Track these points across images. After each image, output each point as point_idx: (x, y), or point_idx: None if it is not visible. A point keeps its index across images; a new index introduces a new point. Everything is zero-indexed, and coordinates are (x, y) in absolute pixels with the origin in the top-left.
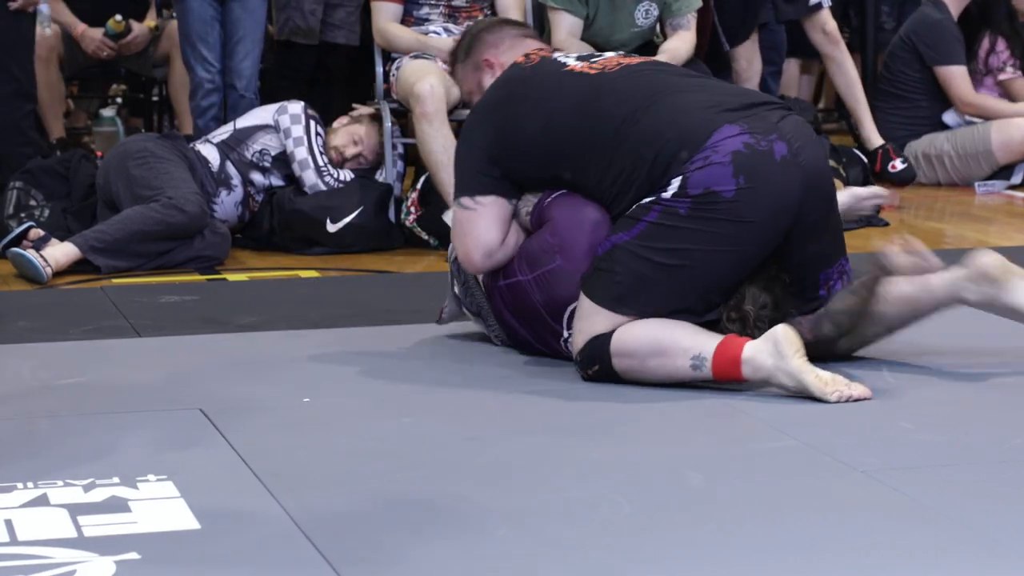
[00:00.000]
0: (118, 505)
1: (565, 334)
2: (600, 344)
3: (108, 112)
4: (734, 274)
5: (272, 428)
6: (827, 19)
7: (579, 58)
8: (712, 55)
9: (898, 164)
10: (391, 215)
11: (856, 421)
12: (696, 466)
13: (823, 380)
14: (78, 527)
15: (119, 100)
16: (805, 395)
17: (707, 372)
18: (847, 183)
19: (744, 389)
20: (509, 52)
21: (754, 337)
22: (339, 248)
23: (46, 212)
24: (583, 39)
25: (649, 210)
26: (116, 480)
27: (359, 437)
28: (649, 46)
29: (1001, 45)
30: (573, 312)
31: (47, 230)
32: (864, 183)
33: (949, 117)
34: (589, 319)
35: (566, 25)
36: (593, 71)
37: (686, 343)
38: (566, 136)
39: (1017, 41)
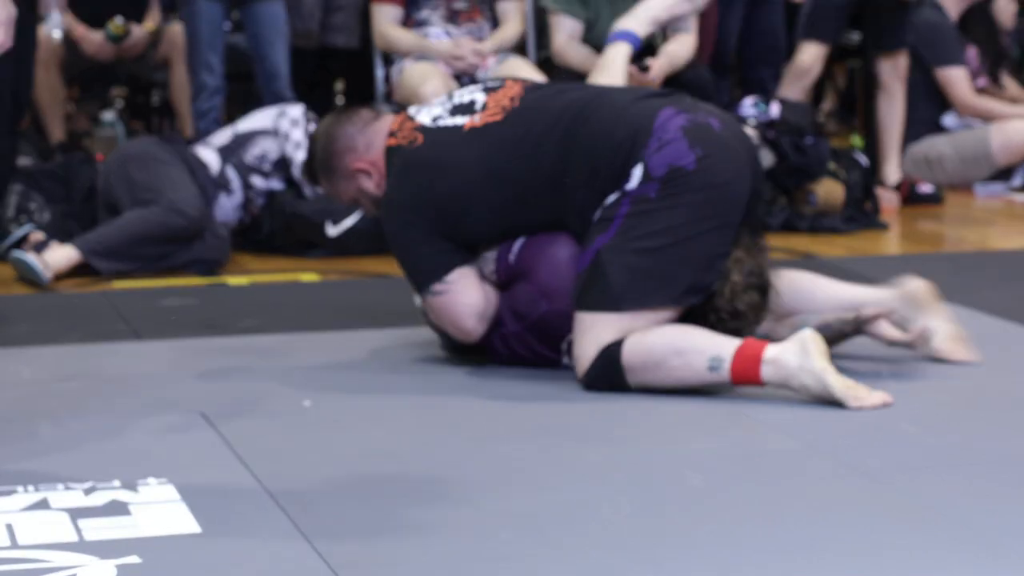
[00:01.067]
0: (119, 508)
1: (565, 360)
2: (609, 356)
3: (109, 115)
4: (721, 243)
5: (273, 431)
6: (904, 56)
7: (459, 112)
8: (715, 60)
9: (927, 188)
10: None
11: (857, 423)
12: (697, 467)
13: (847, 384)
14: (79, 531)
15: (119, 104)
16: (825, 399)
17: (725, 374)
18: (848, 186)
19: (744, 390)
20: (368, 148)
21: (743, 316)
22: (339, 251)
23: (46, 215)
24: (584, 42)
25: (619, 206)
26: (117, 483)
27: (360, 440)
28: (649, 49)
29: (973, 54)
30: (570, 342)
31: (48, 233)
32: (864, 187)
33: (948, 120)
34: (592, 331)
35: (567, 28)
36: (498, 117)
37: (703, 345)
38: (514, 184)
39: (990, 52)
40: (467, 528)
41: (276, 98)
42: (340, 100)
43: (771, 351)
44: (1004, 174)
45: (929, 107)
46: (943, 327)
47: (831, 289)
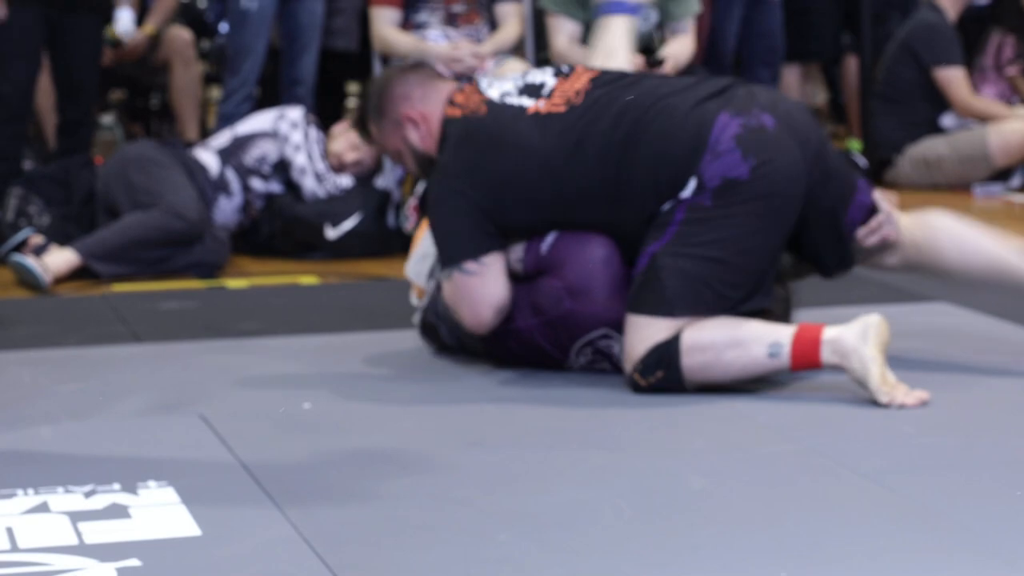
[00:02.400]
0: (119, 511)
1: (571, 362)
2: (666, 347)
3: (108, 119)
4: (775, 247)
5: (272, 434)
6: None
7: (526, 93)
8: (709, 59)
9: None
10: (390, 221)
11: (857, 424)
12: (697, 470)
13: (886, 380)
14: (79, 534)
15: (118, 107)
16: (862, 388)
17: (785, 359)
18: None
19: (748, 393)
20: (424, 100)
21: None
22: (338, 254)
23: (46, 219)
24: (584, 42)
25: (674, 213)
26: (117, 487)
27: (360, 443)
28: (648, 51)
29: (1010, 41)
30: (584, 345)
31: (47, 237)
32: None
33: (947, 120)
34: (646, 330)
35: (566, 30)
36: (561, 109)
37: (760, 332)
38: (568, 182)
39: (1023, 39)
40: (467, 530)
41: (295, 103)
42: (352, 103)
43: (830, 332)
44: (1002, 175)
45: (927, 108)
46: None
47: (968, 251)
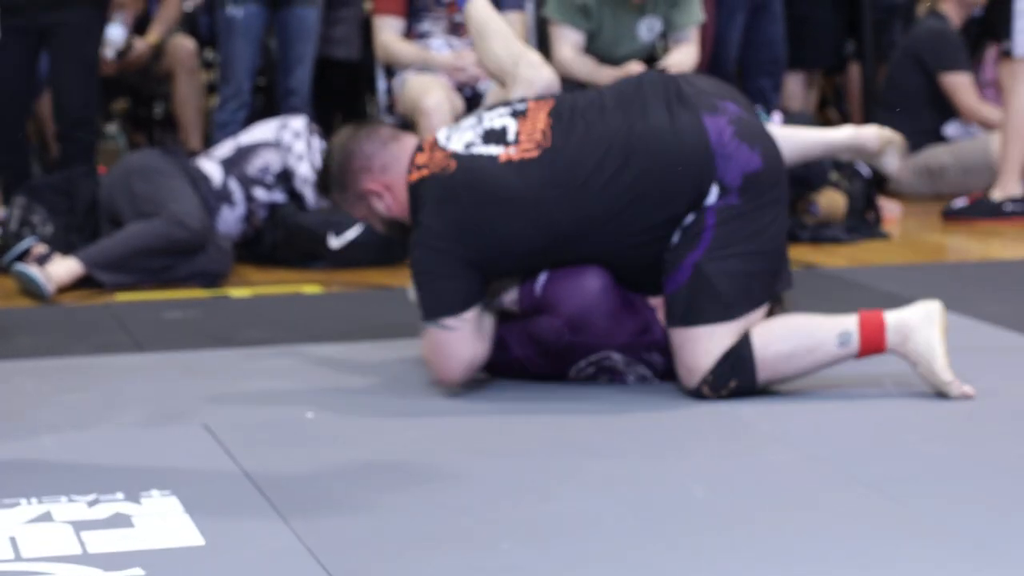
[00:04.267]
0: (122, 521)
1: (571, 374)
2: (738, 356)
3: (111, 128)
4: (786, 222)
5: (276, 444)
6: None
7: (492, 140)
8: (715, 70)
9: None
10: None
11: (860, 432)
12: (700, 479)
13: (949, 369)
14: (82, 543)
15: (121, 117)
16: (925, 375)
17: (854, 345)
18: (850, 196)
19: (751, 401)
20: (384, 171)
21: None
22: (342, 263)
23: (49, 228)
24: (587, 52)
25: (704, 220)
26: (120, 496)
27: (363, 452)
28: (650, 60)
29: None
30: (586, 364)
31: (50, 246)
32: (866, 197)
33: (950, 129)
34: (708, 341)
35: (570, 40)
36: (534, 154)
37: (825, 324)
38: (563, 223)
39: None
40: (470, 540)
41: (289, 114)
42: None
43: (892, 316)
44: None
45: (931, 116)
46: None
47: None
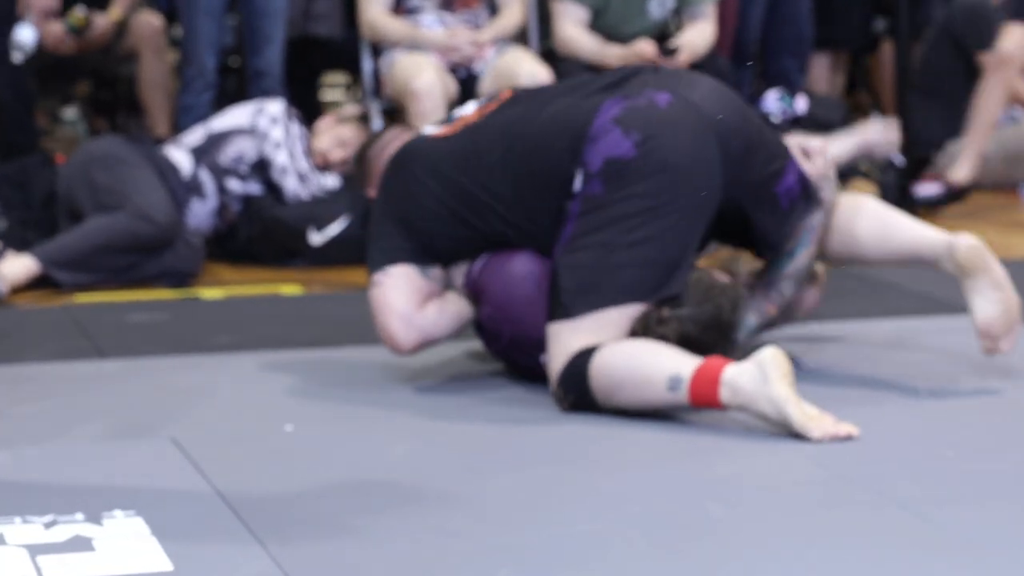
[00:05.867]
0: (82, 544)
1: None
2: (577, 364)
3: (70, 113)
4: (681, 231)
5: (251, 459)
6: None
7: (444, 122)
8: (736, 49)
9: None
10: None
11: (892, 449)
12: (717, 497)
13: (808, 414)
14: (38, 569)
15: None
16: (785, 428)
17: (683, 395)
18: (881, 187)
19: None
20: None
21: (700, 343)
22: (323, 261)
23: (2, 223)
24: (594, 29)
25: (569, 209)
26: (80, 517)
27: (346, 469)
28: (661, 38)
29: None
30: (543, 357)
31: (4, 242)
32: (900, 188)
33: None
34: (555, 345)
35: (572, 16)
36: (455, 130)
37: (665, 361)
38: (465, 186)
39: None
40: (464, 566)
41: (262, 97)
42: (327, 95)
43: (730, 372)
44: None
45: (971, 100)
46: (984, 307)
47: (884, 234)
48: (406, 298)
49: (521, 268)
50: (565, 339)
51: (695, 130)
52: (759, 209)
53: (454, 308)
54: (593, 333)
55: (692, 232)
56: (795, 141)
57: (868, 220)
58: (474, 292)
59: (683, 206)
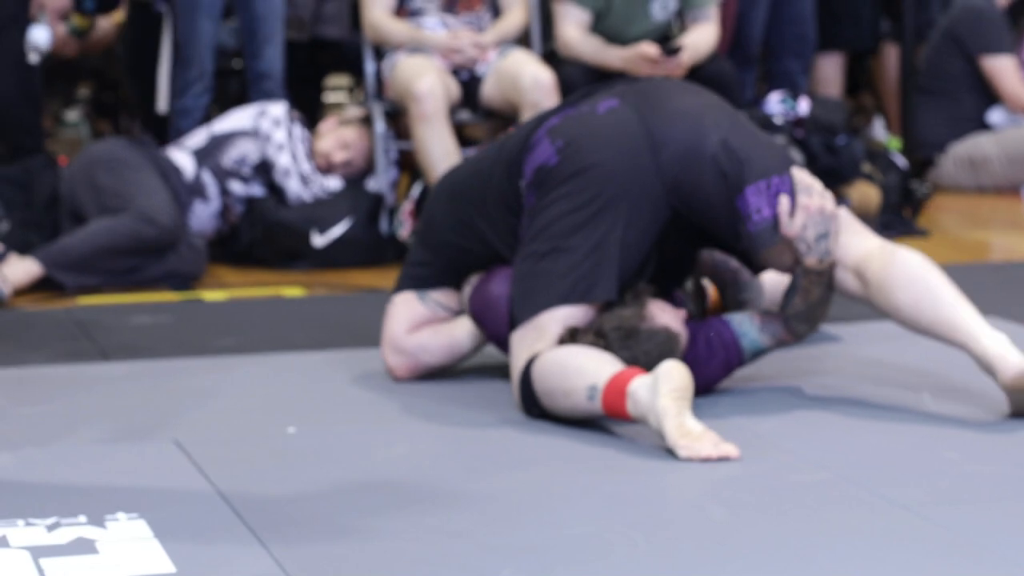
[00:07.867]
0: (85, 547)
1: None
2: (526, 373)
3: (73, 115)
4: (612, 226)
5: (254, 461)
6: None
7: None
8: (738, 51)
9: None
10: (383, 227)
11: (896, 451)
12: (719, 499)
13: (685, 432)
14: (41, 571)
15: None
16: (664, 443)
17: (598, 404)
18: (884, 190)
19: (774, 416)
20: None
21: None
22: (326, 263)
23: (5, 225)
24: (596, 32)
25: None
26: (83, 519)
27: (349, 470)
28: (664, 39)
29: None
30: None
31: (6, 245)
32: (902, 190)
33: (995, 116)
34: (511, 353)
35: (573, 18)
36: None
37: (590, 371)
38: (463, 212)
39: None
40: (466, 567)
41: (264, 99)
42: (330, 97)
43: (635, 383)
44: None
45: (973, 102)
46: None
47: (927, 310)
48: (398, 324)
49: (497, 290)
50: (515, 348)
51: (625, 133)
52: (715, 225)
53: (449, 332)
54: (533, 340)
55: (619, 230)
56: (803, 180)
57: (906, 295)
58: (472, 308)
59: (606, 205)
